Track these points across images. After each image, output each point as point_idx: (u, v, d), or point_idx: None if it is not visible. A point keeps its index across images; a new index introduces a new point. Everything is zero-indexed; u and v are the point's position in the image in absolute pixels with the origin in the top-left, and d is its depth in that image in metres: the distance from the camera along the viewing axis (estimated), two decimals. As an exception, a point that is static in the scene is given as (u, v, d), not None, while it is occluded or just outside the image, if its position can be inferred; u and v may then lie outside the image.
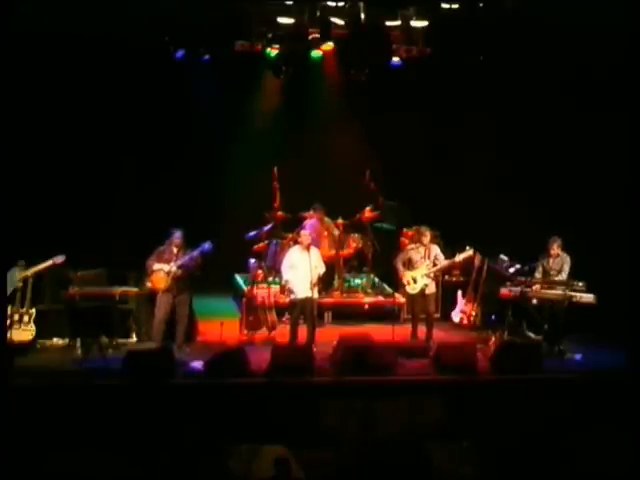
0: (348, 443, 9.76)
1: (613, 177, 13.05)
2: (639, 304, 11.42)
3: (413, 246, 12.47)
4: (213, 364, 10.75)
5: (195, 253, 11.77)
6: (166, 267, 11.67)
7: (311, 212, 14.03)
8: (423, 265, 12.18)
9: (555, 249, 12.08)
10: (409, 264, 12.26)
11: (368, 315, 13.72)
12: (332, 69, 14.65)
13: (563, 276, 12.04)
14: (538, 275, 12.21)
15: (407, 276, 12.22)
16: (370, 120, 15.05)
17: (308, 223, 13.83)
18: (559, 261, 12.13)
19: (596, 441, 9.52)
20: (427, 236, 12.27)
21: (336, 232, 14.01)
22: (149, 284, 11.84)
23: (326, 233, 14.00)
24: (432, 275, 12.22)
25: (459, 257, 12.28)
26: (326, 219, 14.04)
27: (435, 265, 12.21)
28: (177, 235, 11.77)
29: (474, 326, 13.24)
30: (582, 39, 12.89)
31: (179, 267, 11.70)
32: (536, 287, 12.08)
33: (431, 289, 12.29)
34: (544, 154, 14.19)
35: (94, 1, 12.40)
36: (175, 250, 11.77)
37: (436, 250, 12.31)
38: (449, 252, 12.47)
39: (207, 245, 11.78)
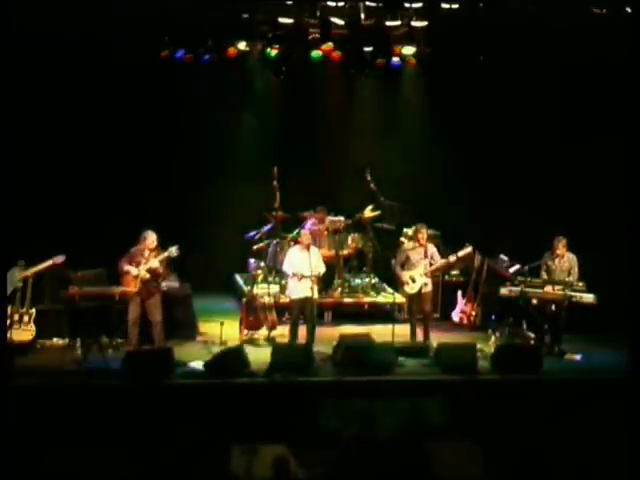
0: (348, 443, 9.75)
1: (613, 176, 13.06)
2: (639, 304, 11.41)
3: (410, 245, 12.43)
4: (213, 364, 10.76)
5: (162, 257, 11.57)
6: (134, 270, 11.45)
7: (312, 212, 14.06)
8: (421, 264, 12.16)
9: (561, 249, 12.06)
10: (407, 263, 12.24)
11: (368, 315, 13.72)
12: (332, 69, 14.63)
13: (574, 277, 12.03)
14: (545, 275, 12.20)
15: (405, 276, 12.20)
16: (370, 120, 15.04)
17: (308, 223, 13.85)
18: (566, 261, 12.12)
19: (596, 441, 9.52)
20: (424, 234, 12.23)
21: (339, 223, 14.01)
22: (120, 285, 11.64)
23: (326, 233, 14.02)
24: (429, 274, 12.22)
25: (458, 254, 12.28)
26: (329, 219, 14.06)
27: (432, 264, 12.20)
28: (152, 238, 11.54)
29: (474, 326, 13.24)
30: (583, 39, 12.91)
31: (148, 271, 11.49)
32: (547, 288, 12.06)
33: (427, 288, 12.25)
34: (545, 154, 14.20)
35: (94, 1, 12.40)
36: (147, 253, 11.54)
37: (432, 249, 12.29)
38: (449, 252, 12.46)
39: (174, 249, 11.57)
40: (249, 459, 8.75)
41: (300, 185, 14.52)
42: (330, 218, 14.10)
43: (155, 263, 11.52)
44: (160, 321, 11.65)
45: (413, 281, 12.15)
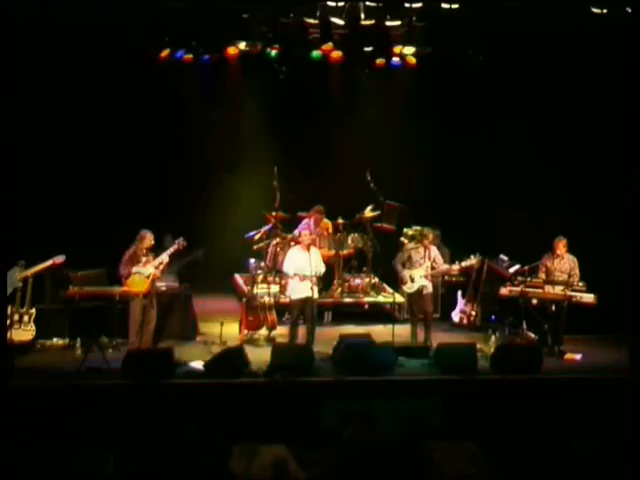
0: (348, 443, 9.75)
1: (612, 176, 13.05)
2: (639, 304, 11.40)
3: (413, 246, 12.45)
4: (213, 364, 10.76)
5: (170, 251, 11.60)
6: (145, 271, 11.44)
7: (311, 212, 14.06)
8: (423, 266, 12.17)
9: (561, 249, 12.06)
10: (409, 263, 12.25)
11: (368, 315, 13.73)
12: (332, 69, 14.62)
13: (575, 279, 12.01)
14: (543, 276, 12.19)
15: (406, 275, 12.21)
16: (370, 120, 15.04)
17: (305, 223, 13.85)
18: (565, 262, 12.11)
19: (596, 441, 9.52)
20: (429, 238, 12.25)
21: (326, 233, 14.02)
22: (126, 288, 11.50)
23: (325, 233, 14.02)
24: (430, 277, 12.22)
25: (462, 264, 12.30)
26: (325, 220, 14.07)
27: (434, 268, 12.20)
28: (150, 237, 11.54)
29: (474, 326, 13.25)
30: (583, 38, 12.92)
31: (158, 267, 11.50)
32: (547, 288, 12.04)
33: (429, 289, 12.27)
34: (545, 155, 14.20)
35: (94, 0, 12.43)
36: (146, 252, 11.54)
37: (435, 252, 12.31)
38: (449, 252, 12.47)
39: (181, 240, 11.59)
40: (249, 459, 8.75)
41: (300, 185, 14.52)
42: (326, 220, 14.12)
43: (165, 257, 11.54)
44: (155, 318, 11.65)
45: (412, 281, 12.17)
